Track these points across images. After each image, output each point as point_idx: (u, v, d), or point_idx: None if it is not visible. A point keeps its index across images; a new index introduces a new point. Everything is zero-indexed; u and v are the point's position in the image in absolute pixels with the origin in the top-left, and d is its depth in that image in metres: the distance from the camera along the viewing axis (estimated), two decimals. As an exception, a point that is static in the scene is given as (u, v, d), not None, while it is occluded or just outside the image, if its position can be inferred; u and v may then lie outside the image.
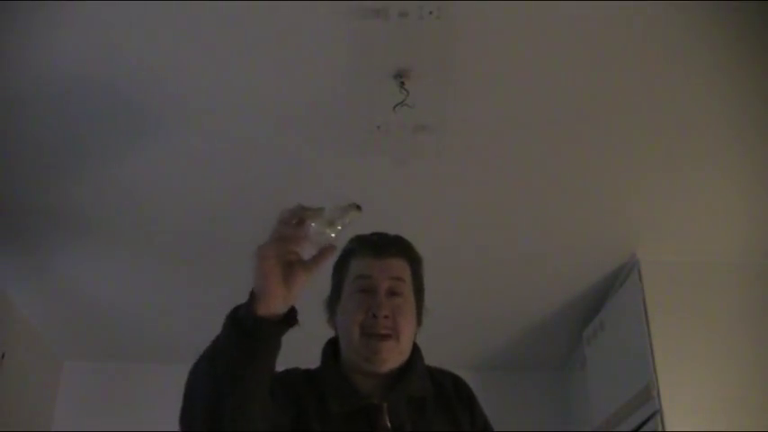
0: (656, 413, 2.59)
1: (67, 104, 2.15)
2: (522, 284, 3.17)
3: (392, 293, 1.40)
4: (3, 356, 3.12)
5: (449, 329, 3.43)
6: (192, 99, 2.15)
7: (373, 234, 1.49)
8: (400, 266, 1.44)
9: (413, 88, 2.05)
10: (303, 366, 1.45)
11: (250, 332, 1.07)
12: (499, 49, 1.96)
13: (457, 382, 1.50)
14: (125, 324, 3.52)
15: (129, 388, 3.84)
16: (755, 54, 1.96)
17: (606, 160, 2.39)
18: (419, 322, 1.47)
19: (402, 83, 2.04)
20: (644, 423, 2.68)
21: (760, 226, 2.71)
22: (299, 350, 1.45)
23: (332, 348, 1.46)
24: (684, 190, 2.53)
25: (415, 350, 1.45)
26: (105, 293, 3.24)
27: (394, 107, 2.09)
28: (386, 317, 1.37)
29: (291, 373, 1.40)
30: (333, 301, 1.47)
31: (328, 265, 1.34)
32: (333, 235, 1.12)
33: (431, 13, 1.82)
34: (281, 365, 1.19)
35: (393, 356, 1.38)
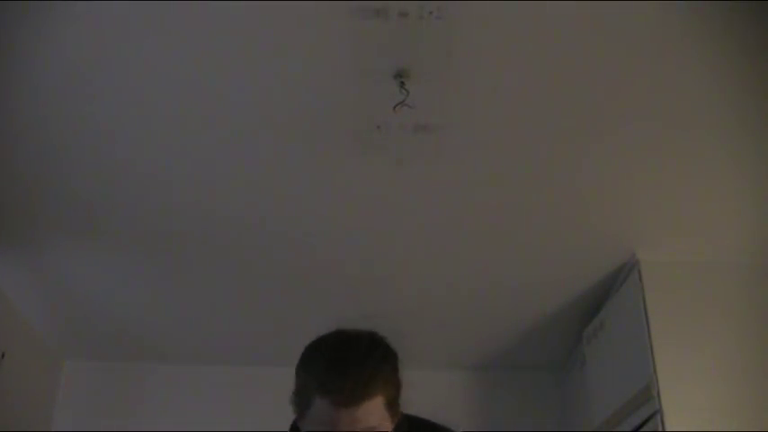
0: (656, 413, 2.59)
1: (67, 102, 2.16)
2: (521, 284, 3.17)
3: None
4: (3, 356, 3.12)
5: (449, 330, 3.44)
6: (191, 98, 2.15)
7: (337, 359, 1.28)
8: (370, 410, 1.24)
9: (413, 88, 2.05)
10: None
11: None
12: (499, 49, 1.96)
13: None
14: (125, 324, 3.52)
15: (129, 388, 3.83)
16: (756, 53, 1.95)
17: (606, 160, 2.39)
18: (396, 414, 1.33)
19: (402, 83, 2.03)
20: (644, 423, 2.68)
21: (760, 226, 2.71)
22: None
23: None
24: (684, 190, 2.53)
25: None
26: (105, 293, 3.24)
27: (394, 107, 2.09)
28: None
29: None
30: (297, 406, 1.32)
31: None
32: None
33: (431, 13, 1.82)
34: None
35: None
